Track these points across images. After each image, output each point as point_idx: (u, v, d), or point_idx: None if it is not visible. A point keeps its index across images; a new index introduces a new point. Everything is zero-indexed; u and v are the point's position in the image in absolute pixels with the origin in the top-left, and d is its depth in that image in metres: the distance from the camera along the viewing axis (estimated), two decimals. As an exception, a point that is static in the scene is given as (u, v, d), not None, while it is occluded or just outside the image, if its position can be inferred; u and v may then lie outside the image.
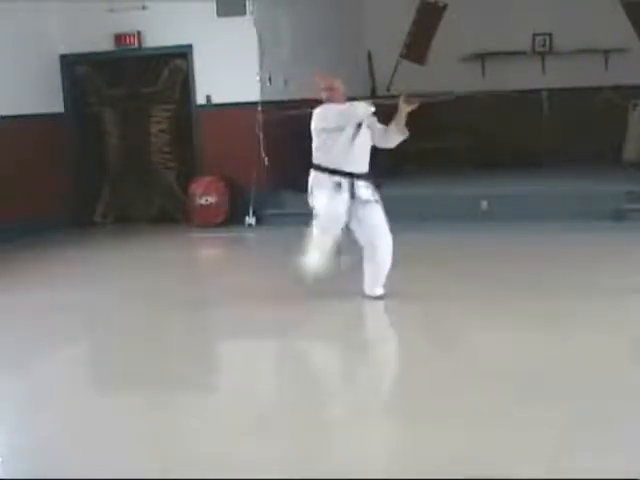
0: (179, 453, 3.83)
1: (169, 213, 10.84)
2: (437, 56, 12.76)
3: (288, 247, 6.58)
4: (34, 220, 9.87)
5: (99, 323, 6.26)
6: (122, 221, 10.95)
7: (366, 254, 6.16)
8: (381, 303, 6.18)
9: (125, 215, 11.00)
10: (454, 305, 6.14)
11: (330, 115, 6.02)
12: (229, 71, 10.02)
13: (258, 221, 9.97)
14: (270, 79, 10.14)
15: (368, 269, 6.17)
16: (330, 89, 6.15)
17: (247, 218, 10.03)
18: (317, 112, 6.10)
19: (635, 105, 11.65)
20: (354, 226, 6.14)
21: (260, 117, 9.80)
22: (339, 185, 6.01)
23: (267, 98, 10.04)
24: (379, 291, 6.18)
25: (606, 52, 12.01)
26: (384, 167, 11.07)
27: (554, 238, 8.44)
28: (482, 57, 12.51)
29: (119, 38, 10.40)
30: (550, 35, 12.34)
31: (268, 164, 9.81)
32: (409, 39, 12.98)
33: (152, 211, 10.91)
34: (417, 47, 12.95)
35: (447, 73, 12.45)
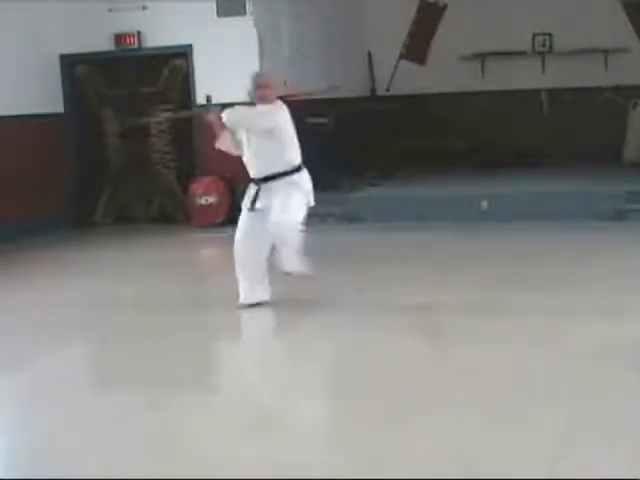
0: (179, 453, 3.83)
1: (169, 213, 10.84)
2: (437, 56, 12.76)
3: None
4: (34, 220, 9.87)
5: (99, 323, 6.26)
6: (122, 221, 10.94)
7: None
8: (378, 302, 6.18)
9: (125, 215, 11.00)
10: (453, 305, 6.14)
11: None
12: (229, 71, 10.01)
13: (258, 221, 9.95)
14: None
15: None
16: (267, 87, 6.03)
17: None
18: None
19: (635, 105, 11.64)
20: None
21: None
22: None
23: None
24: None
25: (606, 52, 12.00)
26: (383, 167, 11.16)
27: (554, 238, 8.44)
28: (482, 57, 12.51)
29: (119, 38, 10.40)
30: (550, 35, 12.33)
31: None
32: (409, 39, 12.97)
33: (152, 211, 10.91)
34: (417, 47, 12.95)
35: (447, 73, 12.46)
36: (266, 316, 6.11)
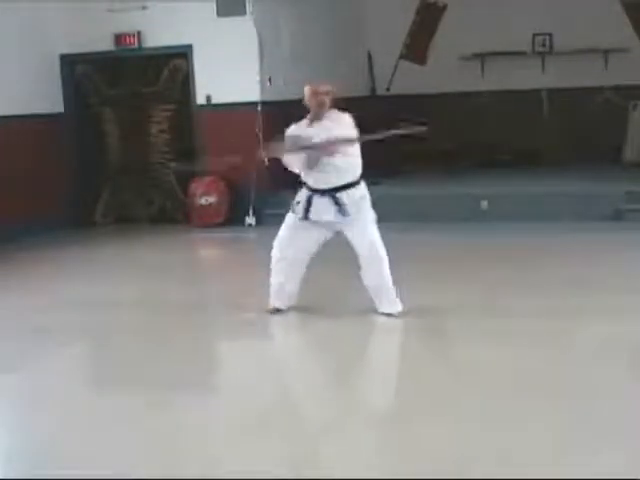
0: (179, 453, 3.84)
1: (169, 213, 10.84)
2: (437, 56, 12.75)
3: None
4: (34, 220, 9.87)
5: (99, 323, 6.26)
6: (122, 221, 10.95)
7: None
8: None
9: (125, 215, 11.00)
10: (453, 305, 6.14)
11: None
12: (229, 71, 10.02)
13: (258, 221, 9.97)
14: (270, 79, 10.14)
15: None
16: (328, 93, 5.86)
17: (247, 218, 10.03)
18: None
19: (635, 105, 11.65)
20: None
21: (260, 117, 9.82)
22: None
23: (267, 98, 10.04)
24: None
25: (606, 52, 11.99)
26: (383, 167, 11.15)
27: (554, 238, 8.45)
28: (482, 57, 12.51)
29: (119, 38, 10.40)
30: (550, 35, 12.32)
31: (268, 164, 9.81)
32: (409, 39, 12.97)
33: (152, 211, 10.91)
34: (417, 47, 12.94)
35: (447, 73, 12.46)
36: (267, 317, 6.10)
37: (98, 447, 3.98)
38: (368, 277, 5.90)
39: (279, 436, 4.02)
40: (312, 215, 5.84)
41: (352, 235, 5.86)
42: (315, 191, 5.83)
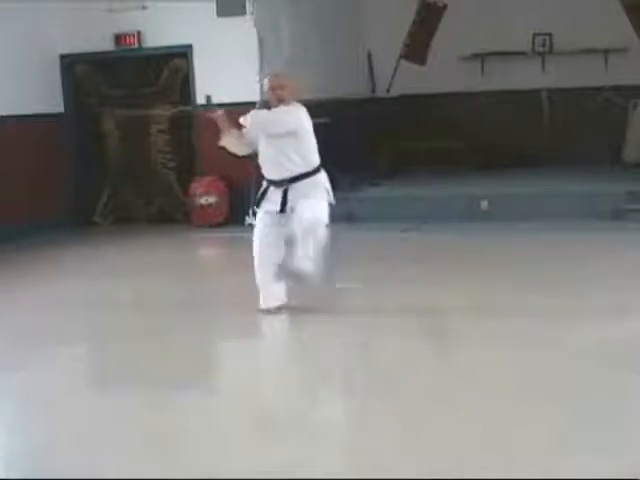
0: (179, 453, 3.83)
1: (169, 213, 10.84)
2: (437, 56, 12.76)
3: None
4: (34, 220, 9.87)
5: (99, 323, 6.26)
6: (122, 221, 10.95)
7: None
8: (378, 303, 6.18)
9: (125, 215, 11.00)
10: (453, 306, 6.14)
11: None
12: (229, 71, 10.02)
13: (258, 221, 9.95)
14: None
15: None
16: (283, 88, 5.94)
17: (247, 218, 10.02)
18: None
19: (635, 105, 11.65)
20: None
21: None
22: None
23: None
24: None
25: (606, 52, 12.01)
26: (383, 167, 11.16)
27: (554, 238, 8.44)
28: (482, 57, 12.51)
29: (119, 38, 10.40)
30: (550, 35, 12.33)
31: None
32: (409, 39, 12.97)
33: (152, 211, 10.91)
34: (417, 47, 12.95)
35: (447, 73, 12.46)
36: (266, 317, 6.10)
37: (98, 447, 3.98)
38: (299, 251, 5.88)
39: (279, 436, 4.01)
40: (265, 205, 6.00)
41: (299, 208, 5.86)
42: (270, 182, 5.96)
